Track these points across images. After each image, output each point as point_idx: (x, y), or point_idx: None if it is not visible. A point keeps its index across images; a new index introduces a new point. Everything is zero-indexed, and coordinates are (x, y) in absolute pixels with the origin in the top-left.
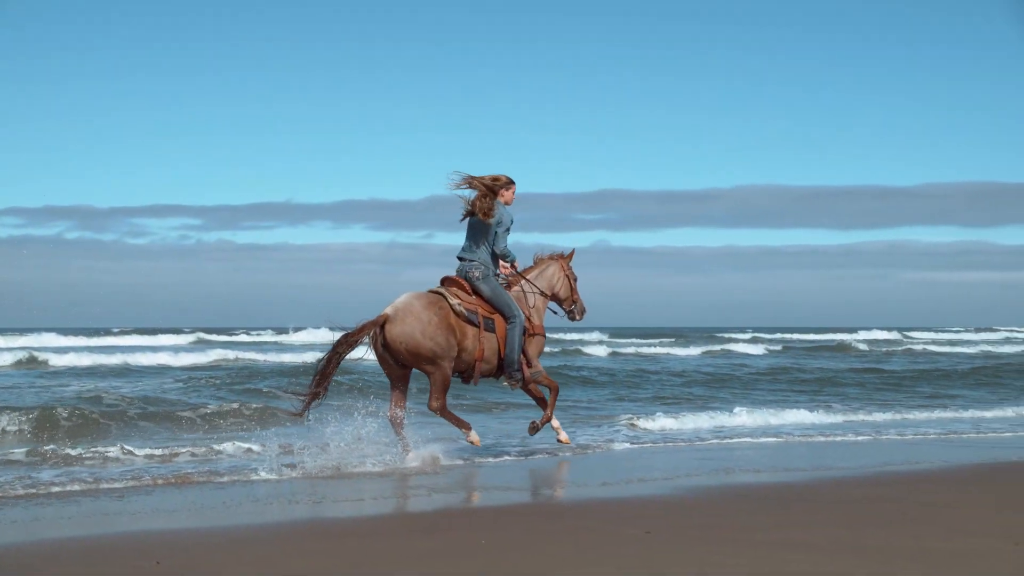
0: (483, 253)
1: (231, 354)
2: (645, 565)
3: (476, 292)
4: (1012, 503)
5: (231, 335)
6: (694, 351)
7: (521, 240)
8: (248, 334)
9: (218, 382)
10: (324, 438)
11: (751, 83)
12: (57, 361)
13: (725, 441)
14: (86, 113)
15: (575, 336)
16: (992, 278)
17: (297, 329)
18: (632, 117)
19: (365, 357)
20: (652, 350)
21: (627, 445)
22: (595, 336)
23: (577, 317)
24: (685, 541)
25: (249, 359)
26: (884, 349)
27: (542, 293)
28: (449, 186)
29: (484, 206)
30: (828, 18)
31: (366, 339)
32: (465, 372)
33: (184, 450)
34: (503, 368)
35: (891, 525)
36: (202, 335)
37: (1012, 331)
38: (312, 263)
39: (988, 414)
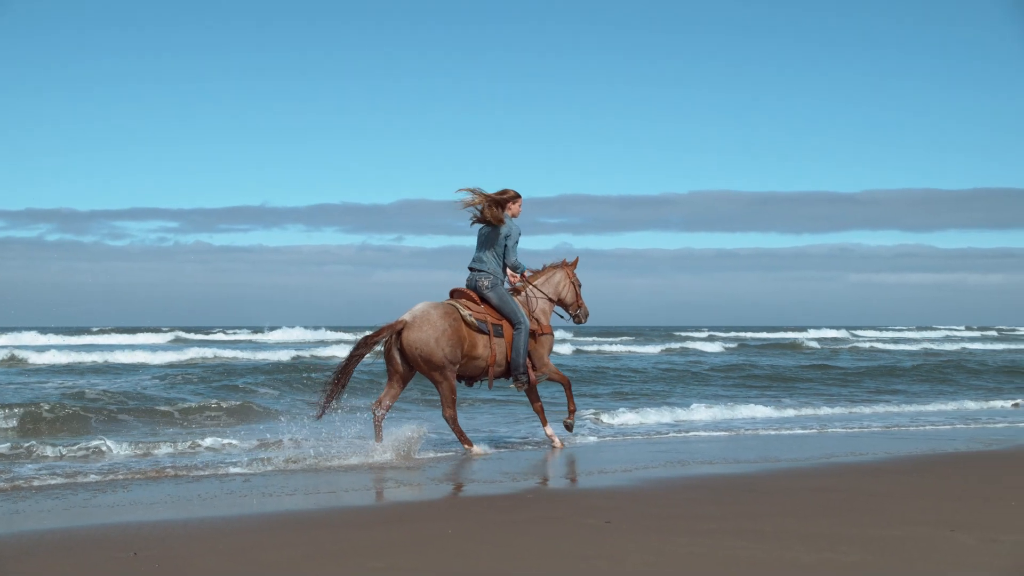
0: (492, 263)
1: (208, 352)
2: (605, 553)
3: (485, 300)
4: (949, 492)
5: (208, 334)
6: (653, 349)
7: None
8: (224, 333)
9: (196, 379)
10: (299, 433)
11: (707, 93)
12: (37, 359)
13: (682, 435)
14: (67, 119)
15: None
16: (931, 280)
17: (272, 328)
18: (593, 125)
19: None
20: (613, 348)
21: (592, 439)
22: (559, 335)
23: (581, 320)
24: (643, 530)
25: (226, 357)
26: (832, 347)
27: (549, 298)
28: (459, 204)
29: (495, 214)
30: (777, 28)
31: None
32: (479, 376)
33: (163, 445)
34: (509, 372)
35: (836, 513)
36: (180, 334)
37: (951, 329)
38: (286, 264)
39: (929, 408)
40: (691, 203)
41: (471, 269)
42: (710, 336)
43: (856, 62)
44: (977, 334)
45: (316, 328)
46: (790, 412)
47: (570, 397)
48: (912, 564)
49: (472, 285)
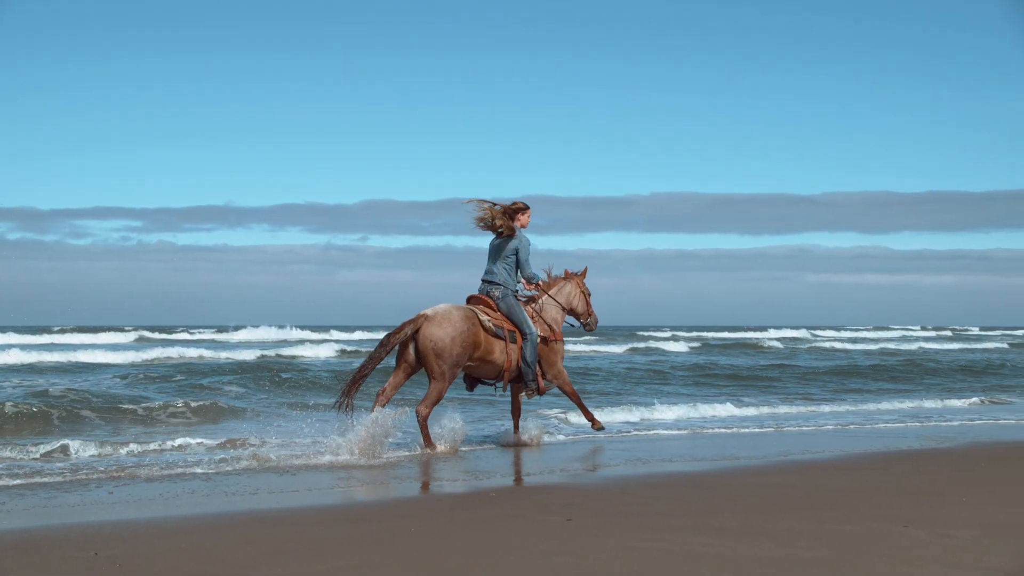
0: (503, 274)
1: (173, 352)
2: (567, 550)
3: (498, 309)
4: (902, 489)
5: (172, 333)
6: (617, 349)
7: (452, 244)
8: (188, 332)
9: (160, 378)
10: (265, 433)
11: (669, 95)
12: None
13: (644, 433)
14: (28, 117)
15: None
16: (887, 280)
17: (237, 328)
18: (556, 126)
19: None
20: (578, 347)
21: (558, 438)
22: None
23: (591, 328)
24: (605, 527)
25: (190, 356)
26: (793, 347)
27: (561, 307)
28: (474, 221)
29: (507, 224)
30: (737, 31)
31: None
32: (491, 378)
33: (126, 444)
34: (519, 378)
35: (796, 509)
36: (144, 333)
37: (907, 329)
38: (250, 264)
39: (886, 406)
40: (653, 204)
41: (483, 281)
42: (673, 336)
43: (815, 65)
44: (932, 334)
45: (281, 327)
46: (751, 411)
47: (582, 407)
48: (868, 559)
49: (485, 294)
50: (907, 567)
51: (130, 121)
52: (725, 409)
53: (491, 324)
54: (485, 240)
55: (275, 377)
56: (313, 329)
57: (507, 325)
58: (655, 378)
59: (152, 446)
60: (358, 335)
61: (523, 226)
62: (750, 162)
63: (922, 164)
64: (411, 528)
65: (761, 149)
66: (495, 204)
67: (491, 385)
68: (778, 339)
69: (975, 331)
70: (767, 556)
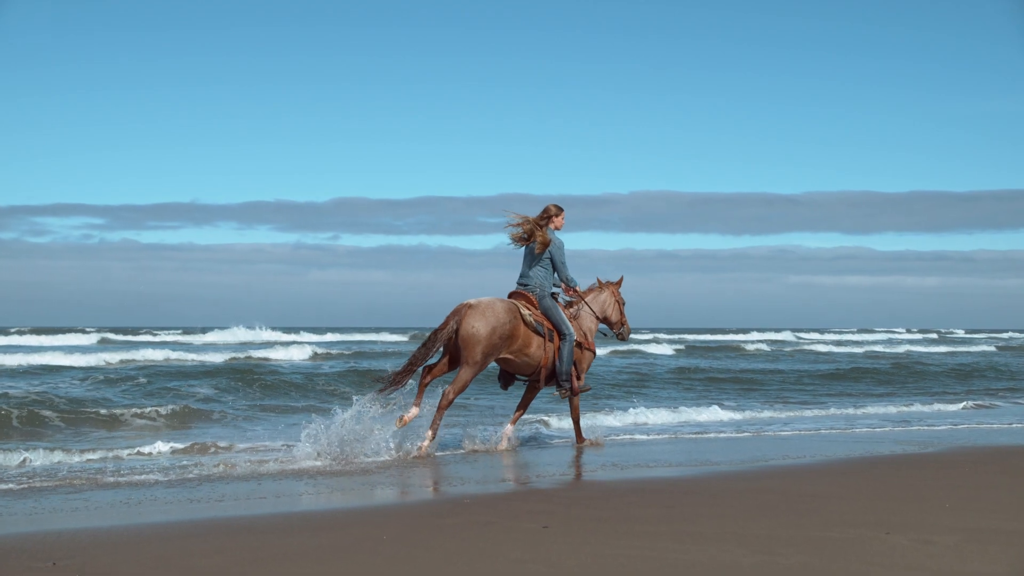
0: (538, 276)
1: (137, 355)
2: (542, 558)
3: (538, 307)
4: (884, 494)
5: (136, 335)
6: (600, 351)
7: (426, 243)
8: (153, 334)
9: (123, 381)
10: (232, 438)
11: (648, 93)
12: None
13: (622, 438)
14: None
15: None
16: (869, 282)
17: (205, 329)
18: (534, 124)
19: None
20: None
21: (538, 444)
22: None
23: (625, 337)
24: (580, 534)
25: (156, 359)
26: (777, 350)
27: (596, 315)
28: (512, 242)
29: (543, 238)
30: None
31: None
32: (527, 374)
33: (89, 450)
34: (553, 376)
35: (775, 515)
36: (107, 335)
37: (892, 332)
38: (217, 263)
39: (874, 410)
40: (632, 203)
41: (519, 284)
42: (655, 338)
43: (795, 64)
44: (918, 336)
45: (250, 328)
46: (735, 415)
47: (577, 427)
48: (849, 566)
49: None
50: (889, 573)
51: (92, 115)
52: (710, 413)
53: (532, 319)
54: (463, 242)
55: (245, 380)
56: (284, 331)
57: (547, 323)
58: (638, 382)
59: (116, 452)
60: (330, 337)
61: (557, 228)
62: (731, 161)
63: (905, 163)
64: (382, 536)
65: (742, 148)
66: (527, 218)
67: (524, 382)
68: (763, 341)
69: (961, 333)
70: (746, 563)
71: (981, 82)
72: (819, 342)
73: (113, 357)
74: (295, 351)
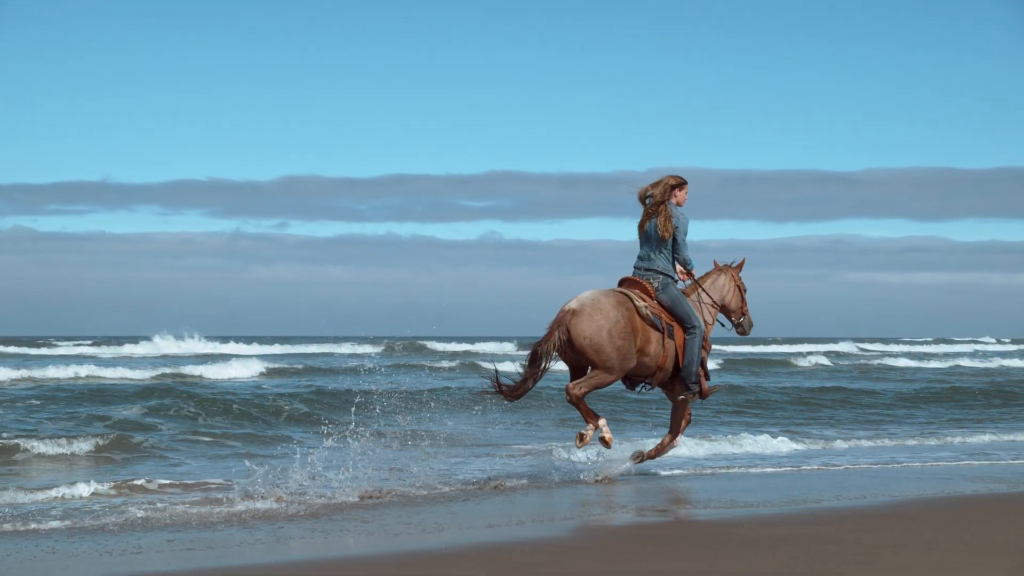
0: (661, 261)
1: (36, 371)
2: None
3: (656, 299)
4: (980, 544)
5: (35, 346)
6: None
7: (395, 232)
8: (50, 346)
9: (14, 403)
10: (156, 475)
11: (669, 52)
12: None
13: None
14: None
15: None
16: (945, 280)
17: (122, 340)
18: (528, 91)
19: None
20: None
21: (557, 479)
22: (507, 348)
23: (745, 330)
24: None
25: (60, 377)
26: (833, 364)
27: (713, 304)
28: (648, 193)
29: (667, 226)
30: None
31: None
32: (645, 377)
33: None
34: (674, 379)
35: (830, 571)
36: None
37: (978, 342)
38: (136, 257)
39: (958, 440)
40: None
41: (636, 268)
42: None
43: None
44: (1012, 348)
45: (180, 338)
46: (798, 446)
47: (674, 440)
48: None
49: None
50: None
51: None
52: (761, 442)
53: (648, 311)
54: (441, 231)
55: (176, 404)
56: (221, 341)
57: (664, 316)
58: (662, 399)
59: (12, 493)
60: (278, 348)
61: (679, 203)
62: (772, 132)
63: (989, 134)
64: None
65: (785, 116)
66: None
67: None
68: (817, 353)
69: None
70: None
71: None
72: (886, 354)
73: (3, 375)
74: (237, 367)
